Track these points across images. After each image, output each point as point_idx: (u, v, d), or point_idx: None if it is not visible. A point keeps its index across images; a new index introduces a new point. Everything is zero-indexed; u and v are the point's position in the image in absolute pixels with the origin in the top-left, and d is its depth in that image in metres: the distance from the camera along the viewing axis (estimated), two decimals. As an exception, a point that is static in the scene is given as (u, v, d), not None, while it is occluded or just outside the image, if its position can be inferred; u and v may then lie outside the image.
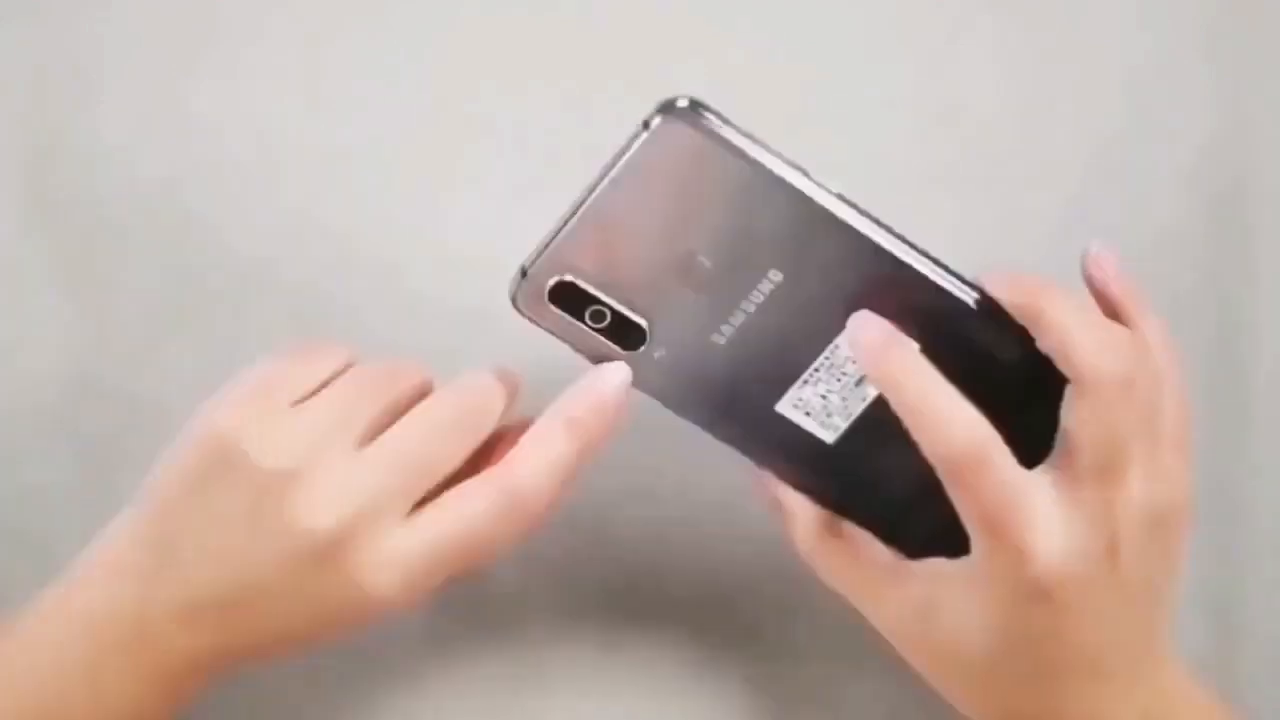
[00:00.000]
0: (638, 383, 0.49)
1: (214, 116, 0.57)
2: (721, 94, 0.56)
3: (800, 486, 0.50)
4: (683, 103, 0.46)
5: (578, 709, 0.56)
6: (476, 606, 0.56)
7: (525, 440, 0.48)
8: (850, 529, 0.50)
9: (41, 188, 0.57)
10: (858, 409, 0.49)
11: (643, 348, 0.48)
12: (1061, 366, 0.46)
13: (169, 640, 0.48)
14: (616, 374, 0.48)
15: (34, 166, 0.57)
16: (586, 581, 0.56)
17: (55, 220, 0.57)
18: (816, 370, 0.49)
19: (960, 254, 0.56)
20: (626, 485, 0.56)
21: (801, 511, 0.50)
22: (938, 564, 0.48)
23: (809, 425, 0.49)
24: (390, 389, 0.49)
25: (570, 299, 0.48)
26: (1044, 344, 0.47)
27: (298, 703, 0.57)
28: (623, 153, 0.46)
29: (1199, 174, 0.57)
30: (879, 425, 0.48)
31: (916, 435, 0.46)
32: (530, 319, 0.48)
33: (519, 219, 0.50)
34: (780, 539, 0.51)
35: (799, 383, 0.49)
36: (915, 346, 0.47)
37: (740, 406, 0.49)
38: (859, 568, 0.50)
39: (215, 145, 0.57)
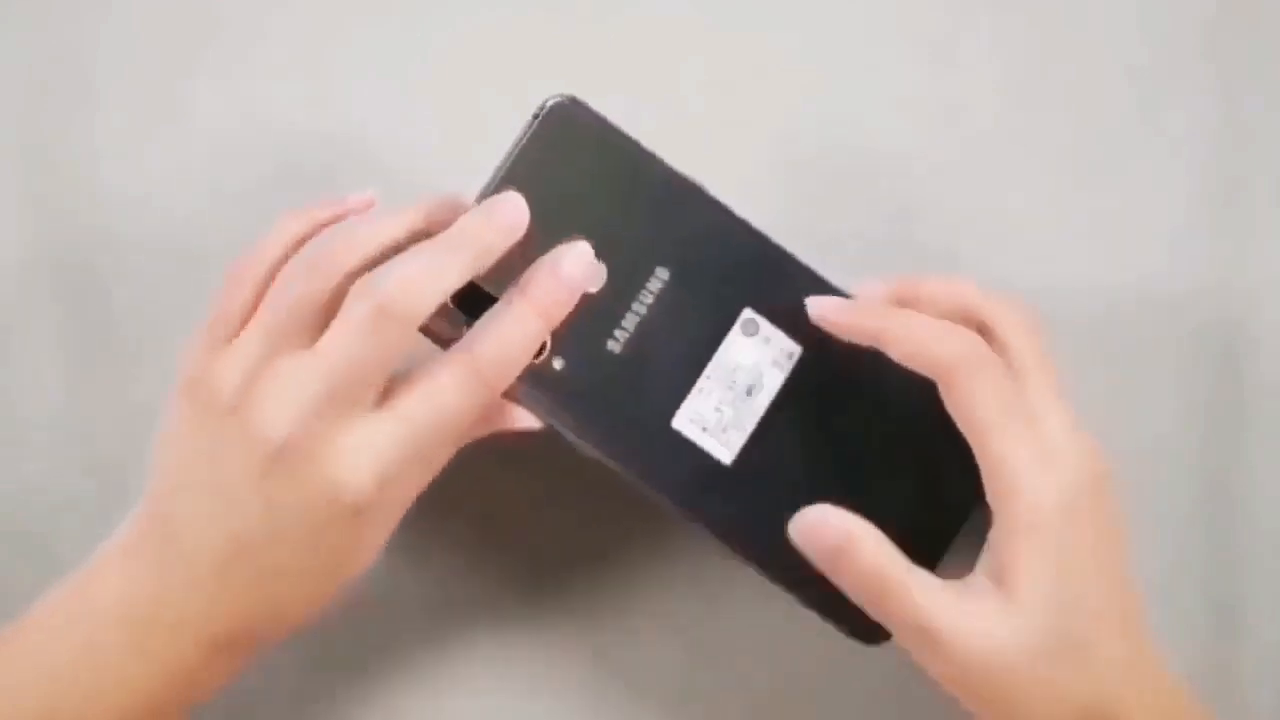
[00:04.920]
0: (542, 410, 0.48)
1: (214, 116, 0.57)
2: (722, 94, 0.56)
3: (699, 515, 0.49)
4: (570, 93, 0.47)
5: (566, 710, 0.56)
6: (467, 610, 0.56)
7: (490, 318, 0.47)
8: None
9: (41, 188, 0.57)
10: (752, 424, 0.49)
11: (543, 355, 0.48)
12: (929, 374, 0.47)
13: (184, 617, 0.48)
14: (579, 258, 0.47)
15: (34, 166, 0.57)
16: (576, 585, 0.56)
17: (55, 220, 0.57)
18: (708, 378, 0.48)
19: (961, 254, 0.56)
20: (617, 489, 0.56)
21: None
22: None
23: (706, 443, 0.49)
24: (319, 285, 0.47)
25: (472, 302, 0.47)
26: (899, 359, 0.47)
27: (297, 705, 0.57)
28: (516, 145, 0.46)
29: (1199, 174, 0.57)
30: (778, 442, 0.47)
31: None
32: (431, 333, 0.48)
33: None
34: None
35: (692, 394, 0.48)
36: None
37: (639, 425, 0.49)
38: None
39: (215, 145, 0.57)
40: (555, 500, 0.56)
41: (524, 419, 0.50)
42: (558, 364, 0.48)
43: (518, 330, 0.47)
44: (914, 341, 0.47)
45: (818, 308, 0.49)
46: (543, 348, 0.48)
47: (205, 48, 0.57)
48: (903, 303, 0.50)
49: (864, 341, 0.48)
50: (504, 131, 0.56)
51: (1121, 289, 0.57)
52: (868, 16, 0.57)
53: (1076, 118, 0.57)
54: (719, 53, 0.56)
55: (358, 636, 0.57)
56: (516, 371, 0.48)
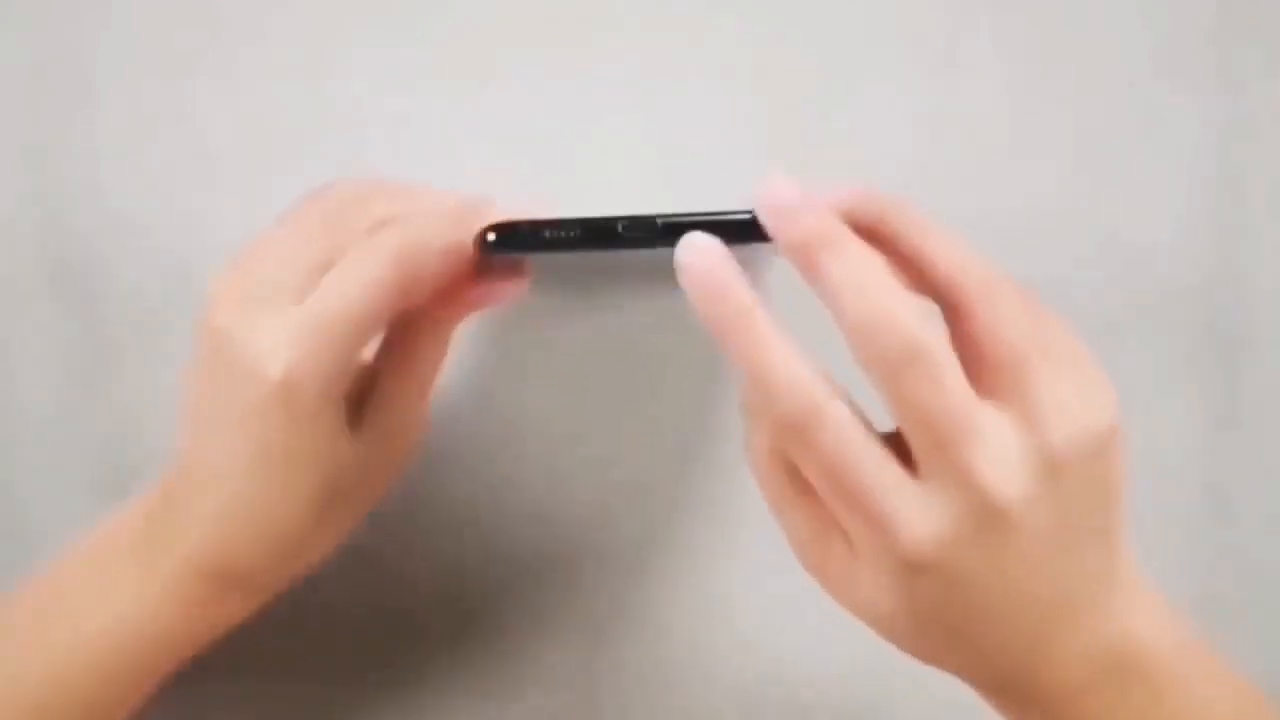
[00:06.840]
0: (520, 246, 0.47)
1: (214, 117, 0.57)
2: (722, 94, 0.56)
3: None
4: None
5: (560, 710, 0.56)
6: (458, 613, 0.56)
7: (429, 211, 0.47)
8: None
9: (41, 188, 0.57)
10: None
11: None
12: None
13: (170, 538, 0.48)
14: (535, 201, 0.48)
15: (34, 166, 0.57)
16: (567, 590, 0.56)
17: (55, 220, 0.57)
18: None
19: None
20: (609, 491, 0.56)
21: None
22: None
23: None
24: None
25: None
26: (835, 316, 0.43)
27: (293, 706, 0.57)
28: None
29: (1199, 174, 0.57)
30: None
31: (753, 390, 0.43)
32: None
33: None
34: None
35: None
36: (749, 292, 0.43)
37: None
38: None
39: (215, 145, 0.57)
40: (555, 500, 0.56)
41: (498, 293, 0.50)
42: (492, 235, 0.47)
43: (460, 236, 0.47)
44: (867, 320, 0.42)
45: (768, 191, 0.43)
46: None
47: (205, 48, 0.57)
48: (870, 234, 0.45)
49: (794, 258, 0.43)
50: (504, 131, 0.56)
51: (1122, 288, 0.57)
52: (868, 17, 0.57)
53: (1077, 117, 0.57)
54: (720, 53, 0.56)
55: (357, 637, 0.57)
56: (428, 254, 0.47)
